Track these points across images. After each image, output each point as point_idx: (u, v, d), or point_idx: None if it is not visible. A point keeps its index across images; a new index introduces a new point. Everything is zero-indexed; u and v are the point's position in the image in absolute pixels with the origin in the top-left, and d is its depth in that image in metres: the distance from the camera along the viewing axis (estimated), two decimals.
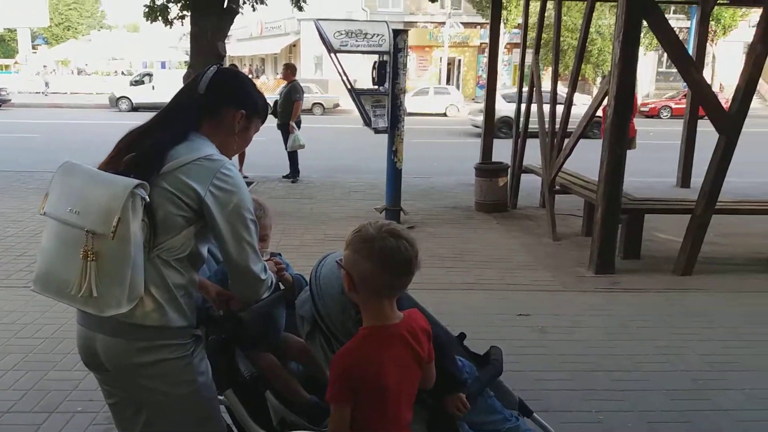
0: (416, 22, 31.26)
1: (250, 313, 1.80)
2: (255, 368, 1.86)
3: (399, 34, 6.06)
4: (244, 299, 1.74)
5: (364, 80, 6.98)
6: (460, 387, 1.66)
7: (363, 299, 1.50)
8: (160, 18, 9.37)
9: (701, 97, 5.22)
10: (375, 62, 6.23)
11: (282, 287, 1.97)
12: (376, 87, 6.28)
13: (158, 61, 37.95)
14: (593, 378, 3.32)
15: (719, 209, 5.22)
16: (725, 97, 16.56)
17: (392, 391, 1.46)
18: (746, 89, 4.88)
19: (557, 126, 6.72)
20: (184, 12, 9.21)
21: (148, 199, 1.50)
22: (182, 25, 9.63)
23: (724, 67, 29.99)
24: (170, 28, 9.84)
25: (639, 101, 28.69)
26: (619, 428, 2.87)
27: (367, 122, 6.30)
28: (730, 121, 4.91)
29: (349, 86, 6.29)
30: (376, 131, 6.34)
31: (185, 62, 25.93)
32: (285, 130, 8.84)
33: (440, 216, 7.18)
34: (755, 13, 25.99)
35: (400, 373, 1.48)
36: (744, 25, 29.05)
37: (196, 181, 1.54)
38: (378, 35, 5.95)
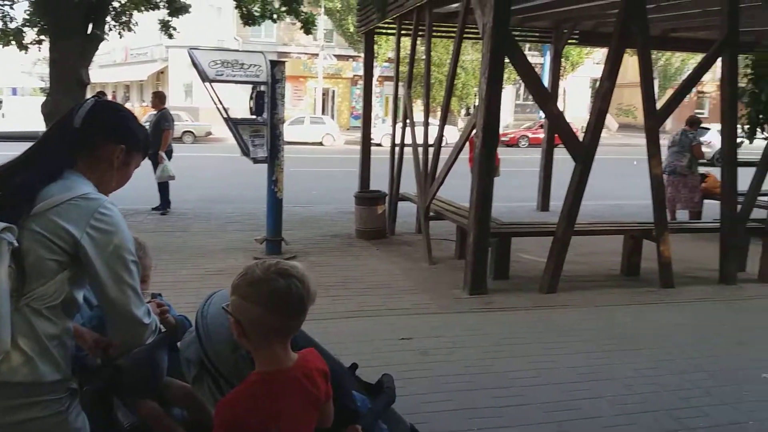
0: (290, 53, 31.41)
1: (130, 359, 1.70)
2: (136, 417, 1.75)
3: (276, 65, 6.07)
4: (125, 346, 1.63)
5: (238, 109, 6.88)
6: (355, 419, 1.66)
7: (254, 345, 1.43)
8: (13, 42, 8.67)
9: (558, 128, 5.72)
10: (253, 92, 6.18)
11: (164, 330, 1.88)
12: (253, 117, 6.21)
13: (9, 87, 34.88)
14: (473, 397, 3.46)
15: (577, 231, 5.71)
16: (575, 127, 18.12)
17: None
18: (597, 121, 5.42)
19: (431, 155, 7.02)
20: (42, 36, 8.59)
21: (16, 244, 1.37)
22: (39, 50, 8.97)
23: (573, 100, 33.02)
24: (26, 53, 9.13)
25: (500, 132, 30.73)
26: None
27: (246, 152, 6.20)
28: (585, 150, 5.42)
29: (225, 116, 6.17)
30: (255, 161, 6.26)
31: (41, 89, 24.04)
32: (154, 159, 8.45)
33: (322, 244, 7.19)
34: (598, 52, 29.05)
35: (296, 421, 1.42)
36: (589, 62, 32.29)
37: (71, 222, 1.43)
38: (255, 65, 5.92)
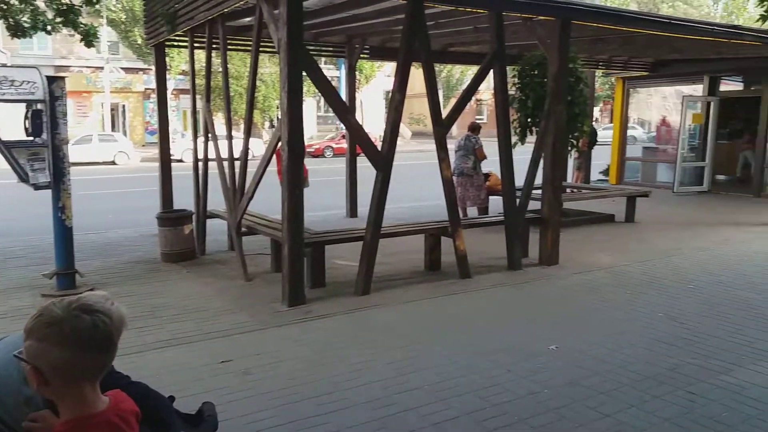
0: (70, 67, 28.61)
1: None
2: None
3: (55, 81, 5.49)
4: None
5: (11, 130, 6.10)
6: None
7: (59, 391, 1.28)
8: None
9: (358, 139, 5.98)
10: (28, 111, 5.52)
11: None
12: (30, 138, 5.56)
13: None
14: (299, 408, 3.48)
15: (384, 234, 6.02)
16: (374, 137, 18.99)
17: None
18: (392, 131, 5.77)
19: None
20: None
21: None
22: None
23: (370, 111, 34.61)
24: None
25: (306, 143, 31.11)
26: None
27: (24, 178, 5.52)
28: (384, 159, 5.74)
29: None
30: (37, 187, 5.60)
31: None
32: None
33: (123, 272, 6.67)
34: (389, 65, 30.86)
35: None
36: (381, 75, 34.14)
37: None
38: (29, 82, 5.30)
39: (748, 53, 10.53)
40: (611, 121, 16.25)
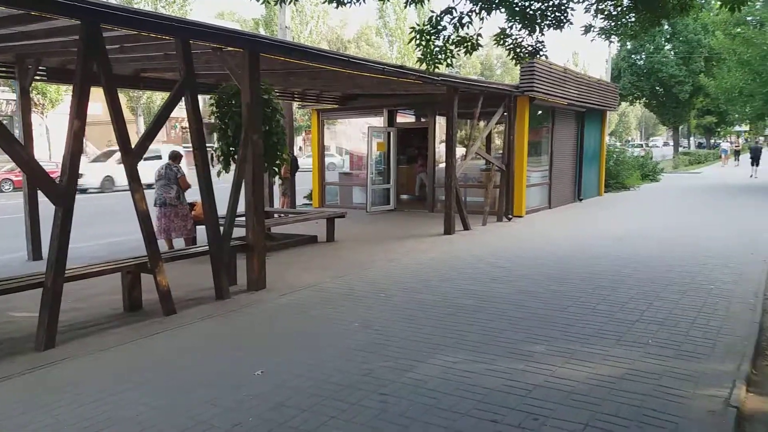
0: None
1: None
2: None
3: None
4: None
5: None
6: None
7: None
8: None
9: (30, 174, 5.26)
10: None
11: None
12: None
13: None
14: None
15: (71, 276, 5.38)
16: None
17: None
18: (72, 162, 5.21)
19: None
20: None
21: None
22: None
23: (58, 137, 30.89)
24: None
25: None
26: None
27: None
28: (64, 193, 5.15)
29: None
30: None
31: None
32: None
33: None
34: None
35: None
36: (68, 98, 30.77)
37: None
38: None
39: (415, 90, 12.30)
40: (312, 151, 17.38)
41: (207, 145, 6.65)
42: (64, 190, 5.17)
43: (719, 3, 6.49)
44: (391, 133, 15.00)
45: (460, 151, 12.69)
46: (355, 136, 17.28)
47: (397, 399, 3.90)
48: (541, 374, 4.23)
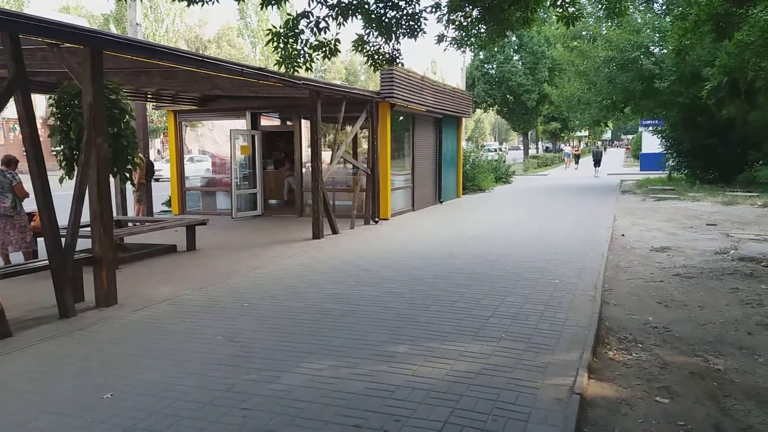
0: None
1: None
2: None
3: None
4: None
5: None
6: None
7: None
8: None
9: None
10: None
11: None
12: None
13: None
14: None
15: None
16: None
17: None
18: None
19: None
20: None
21: None
22: None
23: None
24: None
25: None
26: None
27: None
28: None
29: None
30: None
31: None
32: None
33: None
34: None
35: None
36: None
37: None
38: None
39: (278, 93, 12.14)
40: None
41: (51, 149, 6.06)
42: None
43: (556, 18, 7.07)
44: (256, 137, 14.68)
45: (327, 155, 12.72)
46: (218, 139, 16.72)
47: (259, 413, 3.78)
48: (402, 374, 4.32)
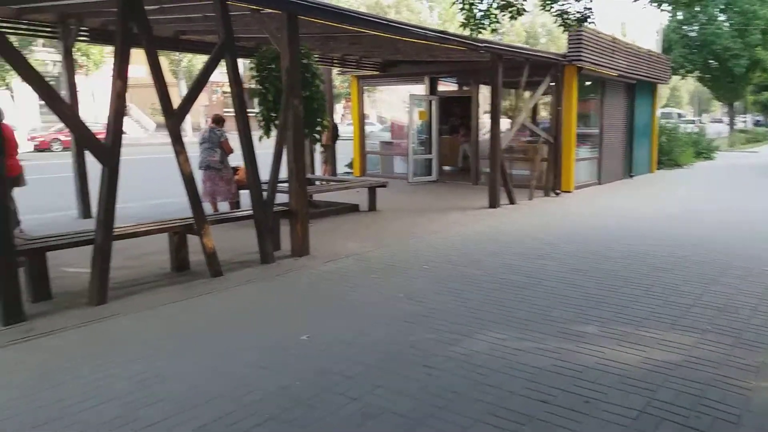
0: None
1: None
2: None
3: None
4: None
5: None
6: None
7: None
8: None
9: (77, 134, 5.30)
10: None
11: None
12: None
13: None
14: None
15: (119, 234, 5.45)
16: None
17: None
18: (115, 121, 5.24)
19: None
20: None
21: None
22: None
23: (104, 99, 31.43)
24: None
25: (27, 136, 27.00)
26: None
27: None
28: (108, 153, 5.18)
29: None
30: None
31: None
32: None
33: None
34: None
35: None
36: (111, 61, 31.13)
37: None
38: None
39: (458, 57, 11.98)
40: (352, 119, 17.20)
41: (248, 110, 6.59)
42: (110, 149, 5.20)
43: None
44: (433, 102, 14.73)
45: (505, 122, 12.38)
46: (395, 105, 17.06)
47: (442, 372, 3.83)
48: (591, 356, 4.10)
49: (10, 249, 4.62)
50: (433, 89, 15.16)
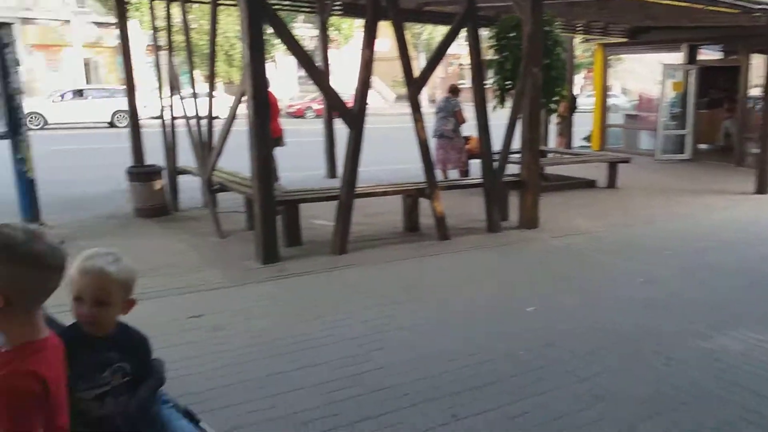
0: (35, 19, 27.55)
1: None
2: None
3: (1, 28, 5.24)
4: None
5: None
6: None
7: (10, 316, 1.26)
8: None
9: (329, 100, 5.80)
10: None
11: None
12: None
13: None
14: (269, 364, 3.39)
15: (359, 194, 5.89)
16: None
17: (63, 406, 1.34)
18: (362, 89, 5.63)
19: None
20: None
21: None
22: None
23: (352, 72, 33.98)
24: None
25: (287, 103, 30.55)
26: (301, 410, 2.98)
27: None
28: (355, 118, 5.58)
29: None
30: None
31: None
32: None
33: (94, 227, 6.48)
34: None
35: (64, 384, 1.36)
36: (358, 35, 33.41)
37: None
38: None
39: (725, 21, 10.38)
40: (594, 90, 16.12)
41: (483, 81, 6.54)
42: (356, 114, 5.60)
43: None
44: (691, 73, 13.11)
45: None
46: (643, 75, 15.58)
47: (683, 365, 3.45)
48: None
49: (271, 200, 5.29)
50: (691, 58, 13.48)
